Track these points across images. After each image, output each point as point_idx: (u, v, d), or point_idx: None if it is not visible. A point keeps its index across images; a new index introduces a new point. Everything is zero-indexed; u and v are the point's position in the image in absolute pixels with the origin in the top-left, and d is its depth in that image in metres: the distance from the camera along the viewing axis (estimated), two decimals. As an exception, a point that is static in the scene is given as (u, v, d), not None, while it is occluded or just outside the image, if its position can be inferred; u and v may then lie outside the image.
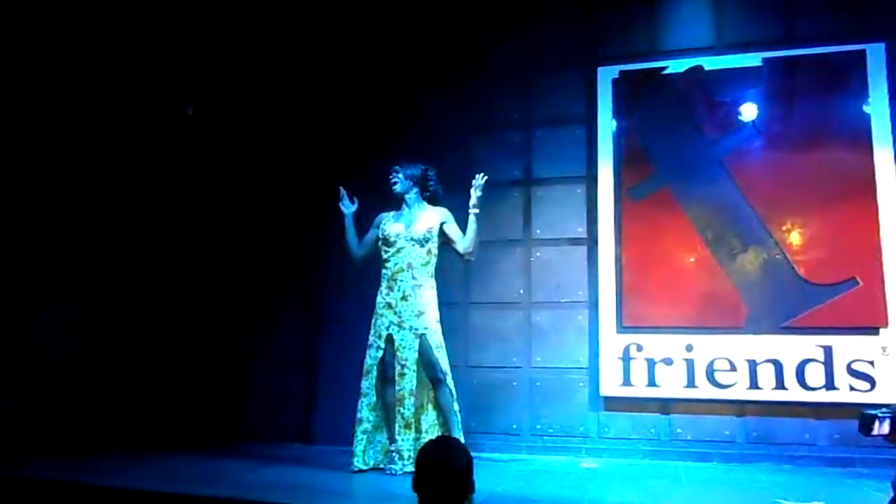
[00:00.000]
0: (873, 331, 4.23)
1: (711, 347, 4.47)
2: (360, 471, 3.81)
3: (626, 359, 4.60)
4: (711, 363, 4.45)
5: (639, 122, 4.84)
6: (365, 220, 4.19)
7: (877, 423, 1.80)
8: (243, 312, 5.42)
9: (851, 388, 4.21)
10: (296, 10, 5.48)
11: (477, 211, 3.95)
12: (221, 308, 5.45)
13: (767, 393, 4.35)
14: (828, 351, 4.28)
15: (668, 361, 4.53)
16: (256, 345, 5.35)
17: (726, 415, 4.47)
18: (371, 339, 3.93)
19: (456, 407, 3.90)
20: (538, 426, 4.79)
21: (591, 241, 4.87)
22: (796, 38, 4.65)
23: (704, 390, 4.45)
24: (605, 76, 4.92)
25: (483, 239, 4.92)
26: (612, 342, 4.65)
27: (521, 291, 4.99)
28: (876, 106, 4.41)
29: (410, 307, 3.86)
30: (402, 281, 3.89)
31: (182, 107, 5.50)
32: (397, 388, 3.80)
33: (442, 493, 1.99)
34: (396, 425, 3.79)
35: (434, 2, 5.34)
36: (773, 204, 4.51)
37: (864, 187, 4.35)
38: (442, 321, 5.00)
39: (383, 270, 3.97)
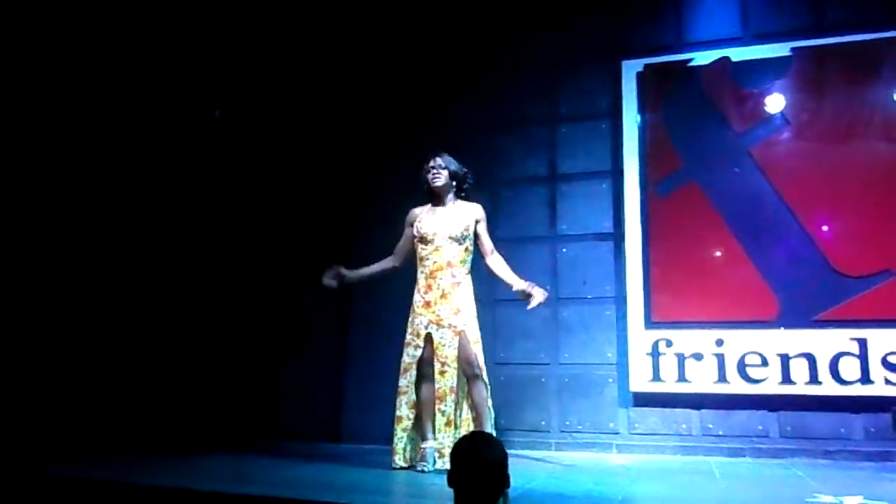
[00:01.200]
0: (909, 324, 4.16)
1: (742, 342, 4.42)
2: (401, 468, 3.77)
3: (655, 354, 4.57)
4: (742, 358, 4.41)
5: (664, 116, 4.80)
6: (395, 220, 4.18)
7: None
8: (274, 311, 5.47)
9: (887, 382, 4.15)
10: (325, 11, 5.51)
11: (513, 287, 3.87)
12: (252, 307, 5.50)
13: (801, 387, 4.29)
14: (862, 344, 4.21)
15: (699, 356, 4.49)
16: (285, 344, 5.40)
17: (758, 410, 4.42)
18: (409, 337, 3.85)
19: (489, 403, 3.88)
20: (567, 422, 4.77)
21: (618, 237, 4.84)
22: (826, 27, 4.58)
23: (736, 385, 4.40)
24: (630, 70, 4.89)
25: (509, 236, 5.00)
26: (640, 338, 4.62)
27: (548, 288, 4.94)
28: (908, 94, 4.34)
29: (449, 305, 3.80)
30: (441, 279, 3.82)
31: (210, 110, 5.55)
32: (437, 385, 3.76)
33: (478, 487, 1.99)
34: (437, 423, 3.76)
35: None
36: (803, 195, 4.45)
37: (897, 177, 4.28)
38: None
39: (420, 268, 3.89)
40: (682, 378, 4.51)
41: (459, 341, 3.79)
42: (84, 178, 4.90)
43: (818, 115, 4.49)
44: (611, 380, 4.74)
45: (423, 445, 3.79)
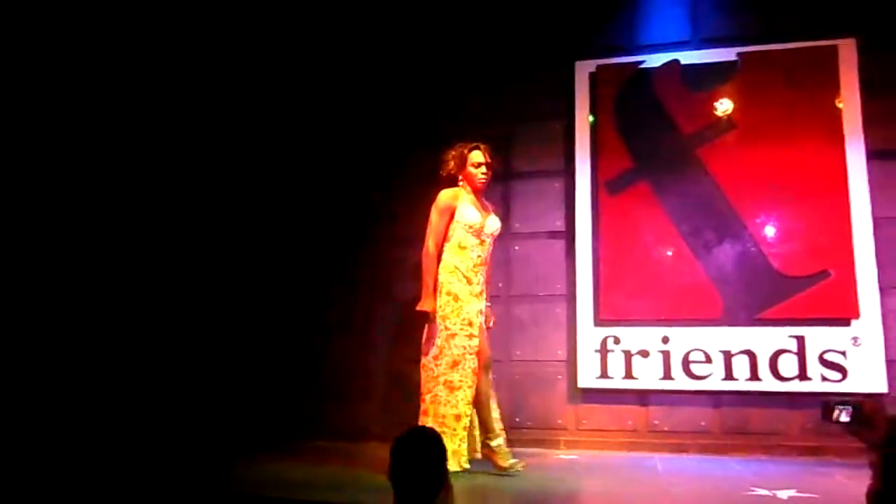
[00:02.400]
0: (845, 322, 4.31)
1: (687, 339, 4.52)
2: (467, 471, 3.58)
3: (604, 351, 4.64)
4: (687, 355, 4.51)
5: (616, 116, 4.87)
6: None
7: (836, 411, 1.84)
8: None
9: (824, 379, 4.29)
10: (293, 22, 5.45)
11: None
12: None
13: (742, 384, 4.42)
14: (801, 342, 4.35)
15: (645, 353, 4.57)
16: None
17: (702, 406, 4.53)
18: (455, 327, 3.62)
19: None
20: (517, 419, 4.79)
21: (570, 235, 4.90)
22: (770, 34, 4.70)
23: (680, 382, 4.50)
24: (583, 70, 4.95)
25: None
26: (589, 335, 4.68)
27: (500, 285, 4.99)
28: (847, 101, 4.48)
29: (483, 301, 3.81)
30: (480, 275, 3.77)
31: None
32: (489, 378, 3.74)
33: (417, 485, 2.00)
34: (495, 416, 3.71)
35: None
36: (747, 197, 4.57)
37: (837, 181, 4.43)
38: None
39: (459, 257, 3.71)
40: (629, 375, 4.59)
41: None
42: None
43: (762, 120, 4.61)
44: (560, 376, 4.79)
45: (490, 443, 3.67)
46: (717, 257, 4.58)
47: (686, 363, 4.50)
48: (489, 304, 3.92)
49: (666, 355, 4.54)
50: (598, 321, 4.69)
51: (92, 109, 4.79)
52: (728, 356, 4.45)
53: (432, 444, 2.07)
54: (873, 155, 4.43)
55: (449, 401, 3.58)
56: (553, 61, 5.04)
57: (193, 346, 5.10)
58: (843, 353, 4.27)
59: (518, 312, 4.93)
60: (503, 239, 5.01)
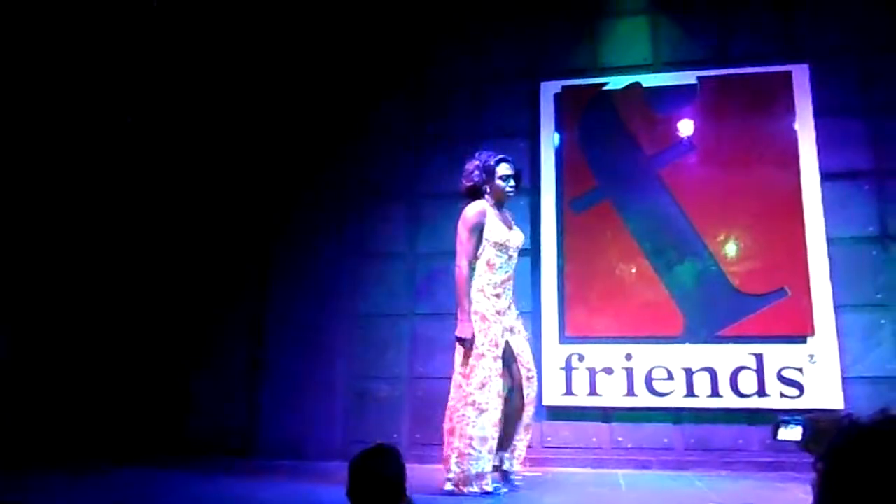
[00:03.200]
0: (801, 339, 4.41)
1: (650, 357, 4.57)
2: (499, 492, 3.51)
3: (568, 368, 4.67)
4: (650, 372, 4.56)
5: (580, 136, 4.96)
6: (315, 231, 4.08)
7: (783, 429, 1.88)
8: (185, 321, 5.29)
9: (782, 395, 4.37)
10: (251, 20, 5.45)
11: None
12: (162, 317, 5.32)
13: (703, 400, 4.48)
14: (759, 359, 4.43)
15: (609, 371, 4.62)
16: (196, 355, 5.25)
17: (664, 422, 4.58)
18: (483, 348, 3.50)
19: None
20: (482, 436, 4.81)
21: (535, 252, 4.94)
22: (728, 59, 4.86)
23: (643, 399, 4.55)
24: (548, 91, 5.03)
25: (432, 250, 5.07)
26: (554, 352, 4.71)
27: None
28: (802, 124, 4.63)
29: (514, 314, 3.71)
30: (508, 290, 3.65)
31: (123, 115, 5.38)
32: (525, 392, 3.62)
33: (374, 501, 2.00)
34: (521, 429, 3.64)
35: (383, 15, 5.39)
36: (707, 217, 4.67)
37: (792, 202, 4.56)
38: (387, 332, 5.08)
39: (488, 274, 3.59)
40: (593, 392, 4.62)
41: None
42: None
43: (721, 142, 4.73)
44: (523, 394, 4.80)
45: (506, 456, 3.65)
46: (679, 276, 4.66)
47: (649, 380, 4.55)
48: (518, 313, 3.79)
49: (629, 372, 4.59)
50: (563, 338, 4.73)
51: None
52: (690, 373, 4.51)
53: (391, 460, 2.07)
54: (827, 177, 4.57)
55: (476, 423, 3.45)
56: (520, 81, 5.13)
57: (136, 360, 5.06)
58: (800, 370, 4.37)
59: (484, 330, 4.95)
60: (469, 256, 5.09)
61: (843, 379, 4.33)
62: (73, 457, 4.47)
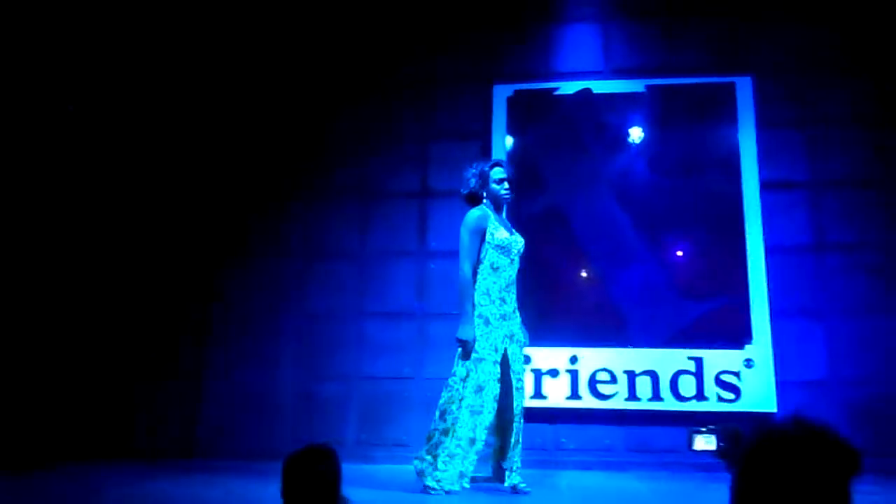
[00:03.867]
0: (739, 345, 4.54)
1: (594, 360, 4.64)
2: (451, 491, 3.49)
3: (515, 370, 4.70)
4: (594, 375, 4.63)
5: (531, 140, 5.01)
6: (255, 237, 4.03)
7: (697, 438, 1.92)
8: (129, 324, 5.17)
9: (719, 399, 4.49)
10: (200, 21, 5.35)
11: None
12: (107, 320, 5.17)
13: (645, 403, 4.57)
14: (699, 363, 4.55)
15: (554, 373, 4.67)
16: (144, 357, 5.13)
17: (607, 424, 4.66)
18: (483, 352, 3.51)
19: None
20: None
21: (485, 255, 4.96)
22: (676, 68, 4.97)
23: (587, 401, 4.62)
24: (501, 94, 5.07)
25: (379, 249, 5.06)
26: (501, 354, 4.74)
27: (416, 302, 5.04)
28: (744, 135, 4.77)
29: (517, 320, 3.69)
30: (512, 294, 3.64)
31: (64, 104, 5.21)
32: (515, 402, 3.59)
33: (308, 502, 1.97)
34: (512, 439, 3.61)
35: (336, 15, 5.36)
36: (652, 224, 4.78)
37: (733, 211, 4.70)
38: (335, 332, 5.04)
39: (492, 278, 3.59)
40: (538, 394, 4.67)
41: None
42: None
43: (667, 150, 4.84)
44: (471, 395, 4.82)
45: (503, 465, 3.63)
46: (624, 280, 4.74)
47: (593, 383, 4.62)
48: (520, 319, 3.77)
49: (574, 375, 4.65)
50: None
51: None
52: (632, 376, 4.60)
53: (326, 461, 2.04)
54: (766, 187, 4.72)
55: (468, 423, 3.48)
56: (473, 83, 5.15)
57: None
58: (737, 375, 4.49)
59: (432, 331, 4.96)
60: (419, 257, 5.09)
61: (778, 383, 4.47)
62: (13, 462, 4.30)
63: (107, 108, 5.28)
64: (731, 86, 4.81)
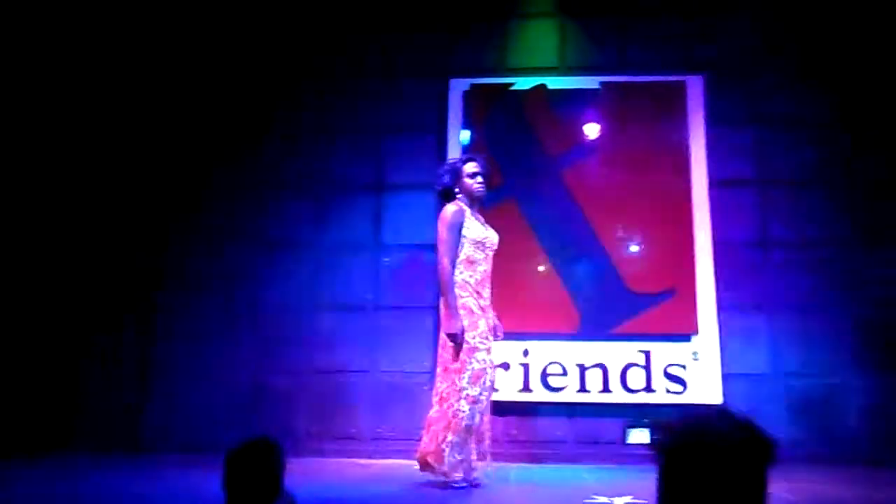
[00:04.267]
0: (686, 337, 4.63)
1: (546, 353, 4.69)
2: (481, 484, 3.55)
3: (467, 363, 4.72)
4: (545, 368, 4.68)
5: (487, 134, 5.02)
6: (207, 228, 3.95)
7: (632, 432, 1.94)
8: (72, 315, 5.03)
9: (667, 391, 4.58)
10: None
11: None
12: (52, 311, 5.01)
13: (595, 395, 4.63)
14: (647, 356, 4.63)
15: (506, 366, 4.69)
16: (89, 349, 5.01)
17: (558, 417, 4.71)
18: (475, 341, 3.51)
19: None
20: (380, 430, 4.81)
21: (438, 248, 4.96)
22: (629, 66, 5.03)
23: (538, 394, 4.66)
24: (457, 88, 5.08)
25: (333, 243, 5.02)
26: (454, 347, 4.75)
27: (369, 296, 5.02)
28: (694, 133, 4.86)
29: (492, 314, 3.70)
30: (487, 288, 3.67)
31: None
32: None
33: (249, 495, 1.95)
34: (487, 430, 3.64)
35: (294, 6, 5.28)
36: (605, 218, 4.84)
37: (682, 206, 4.78)
38: (288, 325, 4.99)
39: (469, 271, 3.60)
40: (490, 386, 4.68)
41: None
42: None
43: (620, 146, 4.90)
44: (426, 387, 4.82)
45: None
46: (576, 273, 4.80)
47: (544, 376, 4.67)
48: (496, 313, 3.79)
49: (525, 368, 4.69)
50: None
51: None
52: (583, 369, 4.66)
53: (268, 454, 2.02)
54: (715, 183, 4.82)
55: (469, 414, 3.48)
56: (429, 77, 5.14)
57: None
58: (684, 367, 4.59)
59: (386, 323, 4.95)
60: (373, 250, 5.07)
61: (724, 376, 4.58)
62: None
63: (57, 106, 5.12)
64: (683, 84, 4.90)
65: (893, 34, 4.83)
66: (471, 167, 3.76)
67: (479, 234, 3.66)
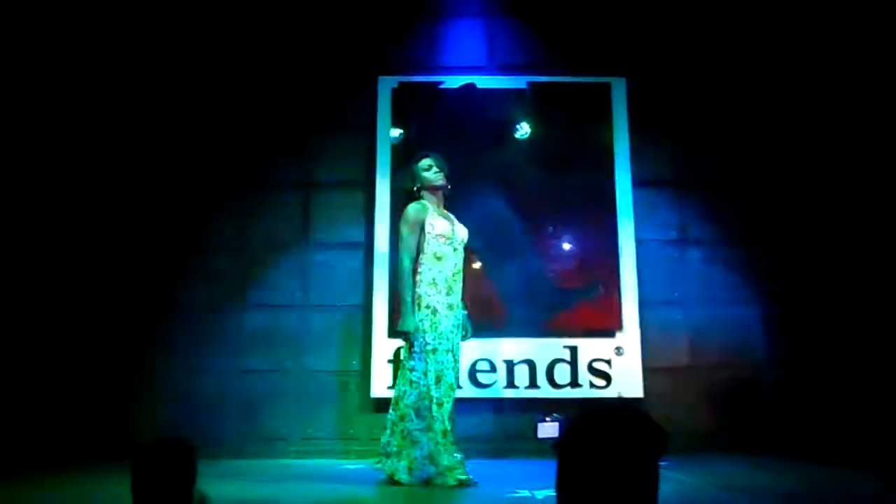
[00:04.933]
0: (610, 333, 4.76)
1: (475, 349, 4.71)
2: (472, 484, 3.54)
3: (397, 362, 4.72)
4: (475, 364, 4.72)
5: (416, 132, 5.02)
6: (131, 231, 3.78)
7: (541, 425, 1.99)
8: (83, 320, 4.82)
9: (592, 385, 4.69)
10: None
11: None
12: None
13: (522, 391, 4.71)
14: (573, 351, 4.73)
15: (436, 363, 4.71)
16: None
17: (486, 412, 4.76)
18: (434, 342, 3.51)
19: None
20: (309, 430, 4.78)
21: (368, 247, 4.96)
22: (556, 67, 5.12)
23: (467, 390, 4.68)
24: (386, 85, 5.06)
25: (262, 241, 4.94)
26: (383, 345, 4.75)
27: (298, 295, 4.96)
28: (618, 133, 4.99)
29: (460, 313, 3.66)
30: (457, 283, 3.64)
31: None
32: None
33: (156, 498, 1.91)
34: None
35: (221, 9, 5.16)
36: (532, 216, 4.92)
37: (607, 205, 4.91)
38: (216, 325, 4.89)
39: (437, 268, 3.58)
40: (420, 384, 4.70)
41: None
42: None
43: (547, 145, 4.98)
44: (354, 387, 4.82)
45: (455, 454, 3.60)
46: (504, 272, 4.86)
47: (473, 372, 4.71)
48: (467, 312, 3.78)
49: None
50: (393, 332, 4.76)
51: None
52: (511, 365, 4.73)
53: (177, 455, 1.98)
54: (638, 183, 4.96)
55: (437, 417, 3.51)
56: (358, 74, 5.10)
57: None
58: (608, 362, 4.71)
59: (314, 322, 4.91)
60: (302, 249, 5.01)
61: (645, 369, 4.72)
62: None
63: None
64: (607, 86, 5.02)
65: (801, 47, 5.04)
66: (425, 163, 3.78)
67: (444, 229, 3.65)
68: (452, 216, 3.83)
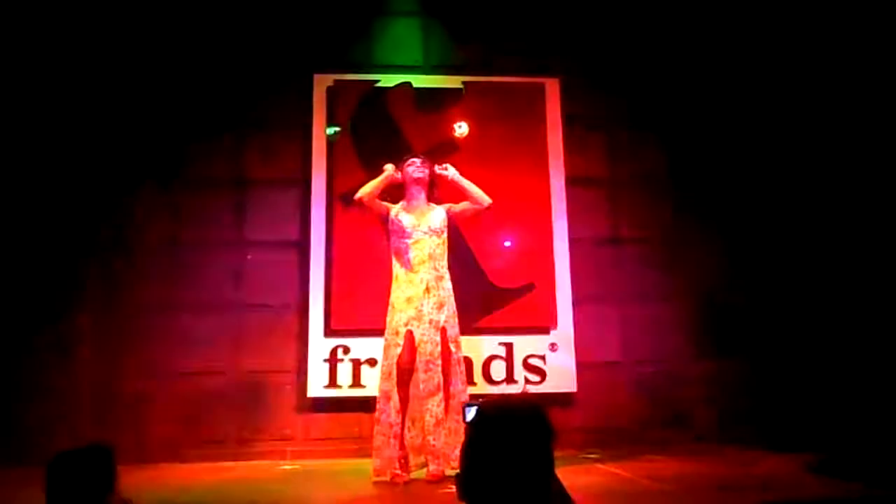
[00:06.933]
0: (545, 330, 4.84)
1: (412, 347, 4.73)
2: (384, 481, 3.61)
3: (333, 360, 4.71)
4: (412, 362, 4.73)
5: (351, 131, 5.00)
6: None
7: (467, 411, 2.04)
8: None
9: (527, 381, 4.76)
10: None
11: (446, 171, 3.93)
12: None
13: (459, 388, 4.73)
14: (509, 348, 4.80)
15: (373, 362, 4.68)
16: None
17: (424, 410, 4.77)
18: (388, 337, 3.73)
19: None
20: (245, 432, 4.70)
21: (303, 245, 4.91)
22: (492, 67, 5.17)
23: (404, 387, 4.70)
24: (321, 83, 5.03)
25: (195, 240, 4.84)
26: (319, 345, 4.73)
27: (232, 294, 4.88)
28: (552, 134, 5.08)
29: (432, 300, 3.71)
30: (423, 272, 3.74)
31: None
32: (422, 385, 3.62)
33: (75, 495, 1.87)
34: (427, 424, 3.61)
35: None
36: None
37: (542, 204, 4.99)
38: (144, 326, 4.76)
39: (399, 262, 3.81)
40: (356, 383, 4.70)
41: (441, 337, 3.69)
42: None
43: (482, 144, 4.98)
44: (289, 386, 4.78)
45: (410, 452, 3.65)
46: (444, 270, 4.87)
47: (411, 370, 4.72)
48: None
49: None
50: (329, 331, 4.75)
51: None
52: (448, 363, 4.75)
53: (95, 461, 1.94)
54: (571, 182, 5.06)
55: (385, 410, 3.69)
56: (292, 72, 5.06)
57: None
58: (543, 358, 4.80)
59: (249, 322, 4.84)
60: (236, 247, 4.93)
61: (578, 365, 4.82)
62: None
63: None
64: (541, 86, 5.10)
65: (734, 47, 5.23)
66: (407, 162, 3.99)
67: (401, 222, 3.83)
68: (426, 205, 3.95)
